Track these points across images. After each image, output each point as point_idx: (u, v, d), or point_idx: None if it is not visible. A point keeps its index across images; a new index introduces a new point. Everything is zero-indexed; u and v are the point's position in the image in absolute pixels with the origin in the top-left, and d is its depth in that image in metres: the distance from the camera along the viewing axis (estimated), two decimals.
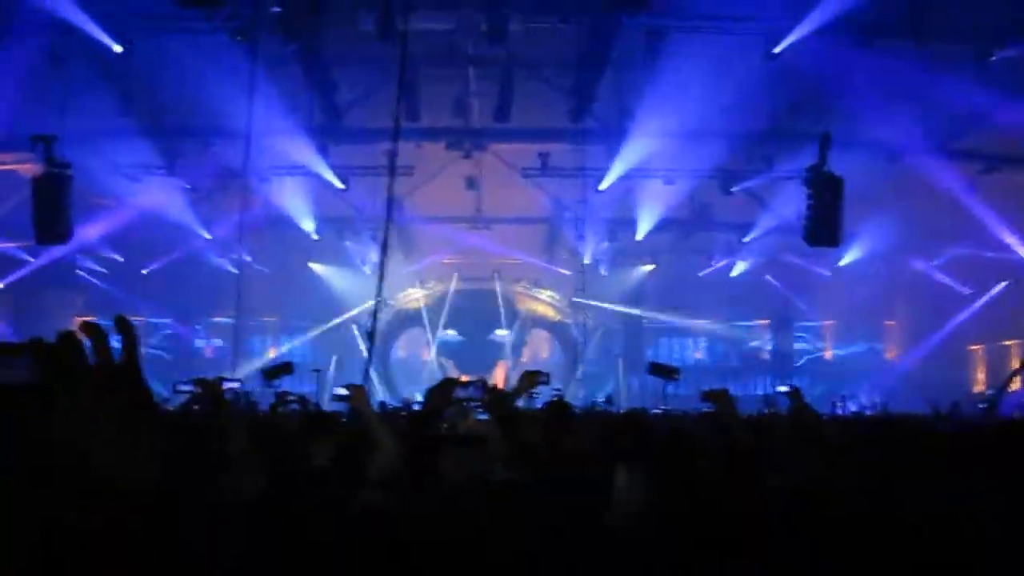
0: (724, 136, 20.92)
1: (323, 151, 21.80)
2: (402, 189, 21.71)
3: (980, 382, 29.57)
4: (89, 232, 23.32)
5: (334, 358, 29.72)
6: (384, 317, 28.24)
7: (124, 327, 1.35)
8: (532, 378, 5.45)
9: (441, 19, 18.70)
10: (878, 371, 31.97)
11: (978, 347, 29.91)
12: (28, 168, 19.38)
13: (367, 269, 28.80)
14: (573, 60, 19.27)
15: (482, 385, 4.15)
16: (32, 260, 26.40)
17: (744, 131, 20.79)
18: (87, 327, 1.31)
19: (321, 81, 19.51)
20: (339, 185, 23.16)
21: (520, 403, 5.86)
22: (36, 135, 17.53)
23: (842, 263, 27.18)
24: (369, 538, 2.66)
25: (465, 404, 4.42)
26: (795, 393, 6.40)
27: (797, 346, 32.73)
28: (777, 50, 17.44)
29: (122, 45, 17.64)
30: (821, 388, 30.13)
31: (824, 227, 18.14)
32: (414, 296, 31.59)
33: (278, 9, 16.48)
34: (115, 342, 1.35)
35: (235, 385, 14.89)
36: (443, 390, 3.72)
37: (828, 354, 34.47)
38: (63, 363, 1.28)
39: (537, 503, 3.07)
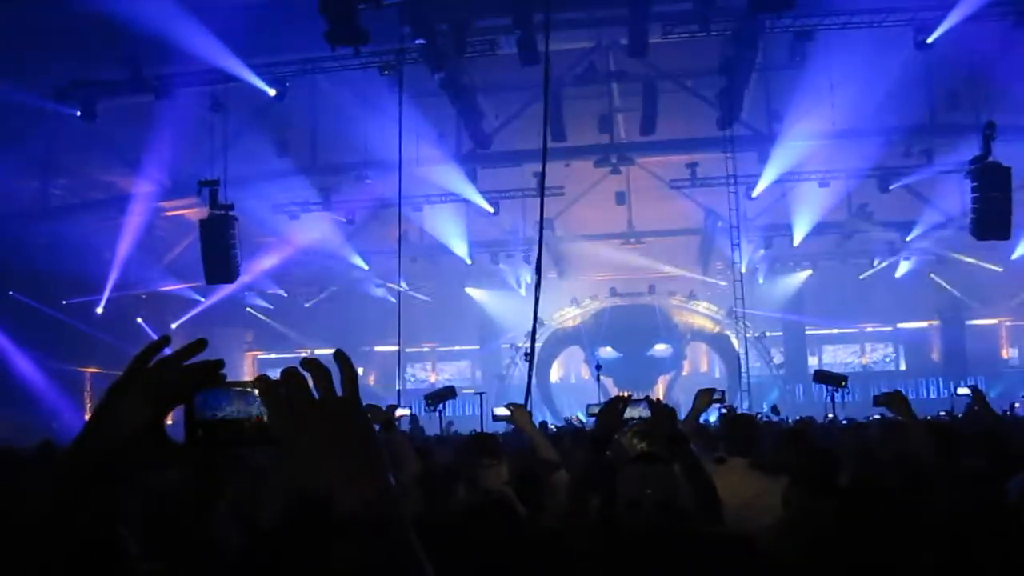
0: (879, 133, 20.29)
1: (472, 177, 22.10)
2: (552, 209, 21.81)
3: None
4: (254, 270, 24.23)
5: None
6: (541, 337, 28.38)
7: (344, 361, 1.38)
8: (707, 396, 5.38)
9: (581, 37, 18.82)
10: None
11: None
12: (195, 212, 20.31)
13: (522, 291, 29.03)
14: (717, 67, 19.02)
15: (648, 403, 4.09)
16: (202, 300, 27.58)
17: (900, 126, 20.11)
18: (309, 363, 1.35)
19: (467, 108, 19.80)
20: (489, 209, 23.44)
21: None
22: (201, 180, 18.33)
23: (1015, 256, 25.89)
24: (551, 562, 2.65)
25: (633, 423, 4.36)
26: (978, 395, 6.12)
27: (970, 345, 31.34)
28: (930, 40, 16.83)
29: (276, 88, 18.36)
30: (998, 389, 28.80)
31: (993, 220, 17.33)
32: (570, 315, 31.64)
33: (422, 41, 16.84)
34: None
35: (405, 413, 15.22)
36: (613, 410, 3.69)
37: (1005, 353, 32.91)
38: (289, 398, 1.33)
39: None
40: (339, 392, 1.35)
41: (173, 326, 28.94)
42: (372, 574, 1.27)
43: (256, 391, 1.36)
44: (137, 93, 18.38)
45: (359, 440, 1.32)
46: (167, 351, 1.42)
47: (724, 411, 12.28)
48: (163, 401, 1.38)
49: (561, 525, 3.47)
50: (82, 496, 1.35)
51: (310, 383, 1.34)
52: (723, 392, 6.23)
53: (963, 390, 7.25)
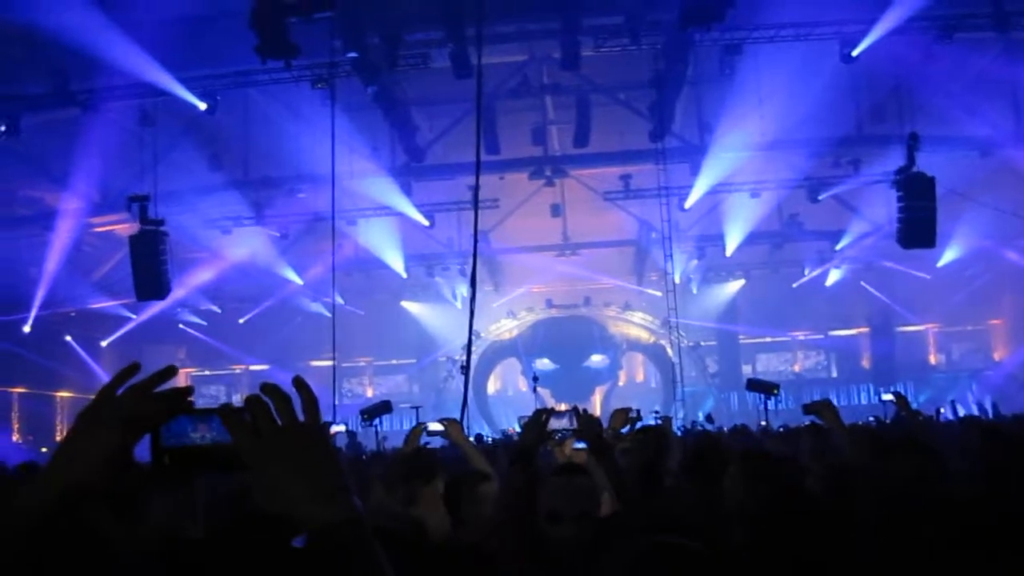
0: (808, 144, 20.66)
1: (407, 190, 22.06)
2: (487, 221, 21.88)
3: None
4: (186, 286, 23.92)
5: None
6: (477, 350, 28.38)
7: (303, 387, 1.40)
8: (623, 415, 5.43)
9: (514, 51, 18.91)
10: (987, 372, 31.06)
11: None
12: (125, 228, 20.00)
13: (458, 304, 29.01)
14: (648, 80, 19.22)
15: (574, 414, 4.12)
16: (134, 317, 27.17)
17: (828, 137, 20.47)
18: (269, 389, 1.37)
19: (400, 121, 19.78)
20: (424, 222, 23.42)
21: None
22: (131, 195, 18.08)
23: (941, 263, 26.45)
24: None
25: (560, 434, 4.39)
26: (901, 400, 6.25)
27: (899, 352, 31.93)
28: (855, 53, 17.16)
29: (207, 102, 18.17)
30: (927, 394, 29.38)
31: (918, 229, 17.70)
32: (506, 327, 31.69)
33: (354, 54, 16.79)
34: None
35: (340, 429, 15.09)
36: (537, 422, 3.71)
37: (932, 358, 33.60)
38: (253, 424, 1.34)
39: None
40: (301, 417, 1.37)
41: (103, 344, 28.50)
42: None
43: (221, 418, 1.36)
44: (63, 107, 18.03)
45: (324, 464, 1.33)
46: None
47: (660, 421, 12.40)
48: (133, 428, 1.39)
49: (480, 538, 3.47)
50: (53, 522, 1.35)
51: (272, 409, 1.35)
52: (639, 411, 6.31)
53: (888, 396, 7.38)
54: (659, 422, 10.32)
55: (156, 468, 1.39)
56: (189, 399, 1.41)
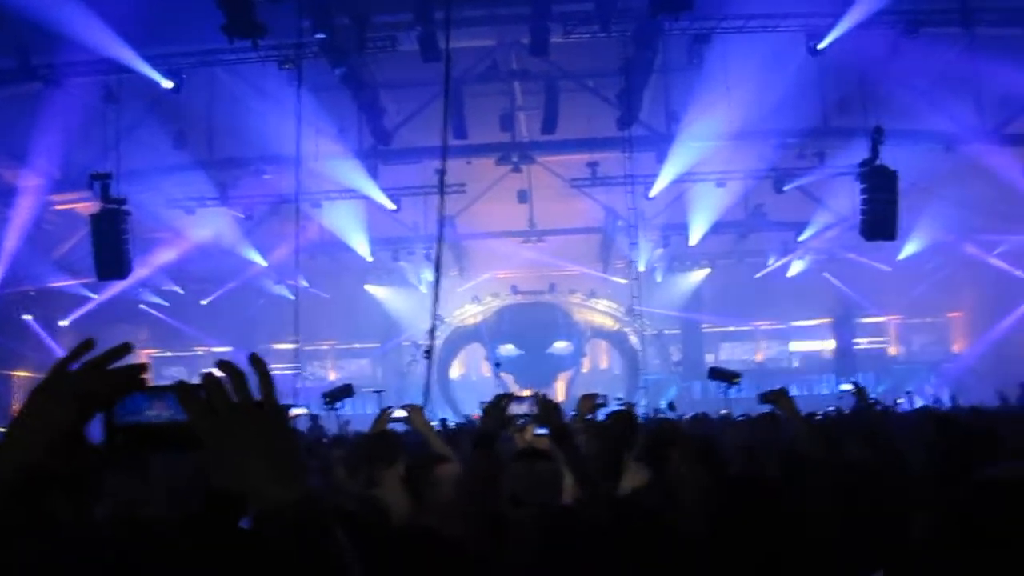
0: (774, 135, 20.78)
1: (373, 173, 21.96)
2: (454, 206, 21.83)
3: None
4: (149, 266, 23.69)
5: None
6: (441, 335, 28.34)
7: (259, 366, 1.39)
8: (589, 401, 5.45)
9: (483, 35, 18.86)
10: (945, 364, 31.46)
11: None
12: (86, 206, 19.75)
13: (423, 288, 28.95)
14: (617, 68, 19.25)
15: (535, 400, 4.12)
16: (94, 296, 26.87)
17: (794, 129, 20.61)
18: (226, 367, 1.36)
19: (368, 104, 19.68)
20: (391, 206, 23.32)
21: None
22: (92, 173, 17.86)
23: (901, 256, 26.72)
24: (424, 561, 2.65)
25: (521, 420, 4.39)
26: (860, 391, 6.32)
27: (859, 343, 32.25)
28: (822, 46, 17.28)
29: (172, 80, 17.99)
30: (886, 384, 29.71)
31: (880, 221, 17.86)
32: (471, 312, 31.68)
33: (322, 35, 16.68)
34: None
35: (301, 412, 15.04)
36: (497, 407, 3.70)
37: (892, 350, 33.97)
38: (208, 402, 1.33)
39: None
40: (256, 395, 1.36)
41: (63, 323, 28.18)
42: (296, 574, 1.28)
43: (176, 395, 1.35)
44: (24, 82, 17.78)
45: (279, 443, 1.33)
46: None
47: (623, 408, 12.43)
48: (87, 406, 1.37)
49: (441, 522, 3.47)
50: (5, 502, 1.34)
51: (228, 387, 1.34)
52: (605, 396, 6.34)
53: (846, 386, 7.47)
54: (621, 408, 10.36)
55: (109, 446, 1.37)
56: (144, 376, 1.39)
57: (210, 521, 2.44)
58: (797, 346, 34.38)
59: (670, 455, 4.16)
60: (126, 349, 1.41)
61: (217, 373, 1.35)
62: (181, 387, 1.34)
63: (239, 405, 1.33)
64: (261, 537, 1.30)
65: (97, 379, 1.38)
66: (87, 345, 1.43)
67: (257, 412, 1.34)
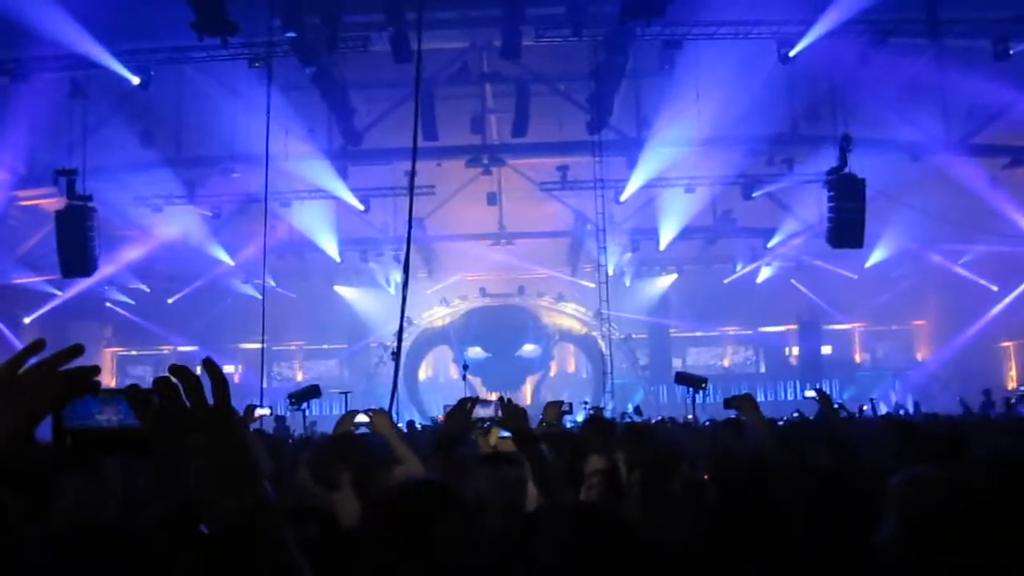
0: (743, 142, 20.89)
1: (343, 173, 21.90)
2: (423, 208, 21.78)
3: (1013, 379, 29.26)
4: (114, 263, 23.46)
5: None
6: (409, 337, 28.26)
7: (213, 370, 1.37)
8: (555, 409, 5.45)
9: (455, 37, 18.85)
10: (909, 371, 31.74)
11: (1009, 344, 29.62)
12: (51, 202, 19.55)
13: (391, 290, 28.86)
14: (588, 72, 19.30)
15: (500, 403, 4.11)
16: (59, 293, 26.60)
17: (763, 136, 20.72)
18: (178, 371, 1.33)
19: (338, 104, 19.62)
20: (359, 207, 23.27)
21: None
22: (58, 169, 17.68)
23: (868, 264, 26.95)
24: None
25: (485, 423, 4.38)
26: (823, 398, 6.36)
27: (825, 349, 32.47)
28: (792, 53, 17.39)
29: (140, 77, 17.83)
30: (851, 391, 29.92)
31: (847, 229, 18.00)
32: (439, 314, 31.61)
33: (293, 34, 16.60)
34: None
35: (265, 412, 14.93)
36: (461, 411, 3.69)
37: (857, 357, 34.23)
38: (161, 407, 1.31)
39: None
40: (210, 400, 1.34)
41: (26, 320, 27.84)
42: None
43: (127, 399, 1.33)
44: None
45: (232, 448, 1.31)
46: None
47: (592, 412, 12.47)
48: (35, 407, 1.34)
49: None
50: None
51: (181, 391, 1.32)
52: (571, 404, 6.35)
53: (810, 393, 7.51)
54: (591, 412, 10.38)
55: (57, 450, 1.35)
56: (95, 379, 1.37)
57: (168, 524, 2.42)
58: (763, 352, 34.55)
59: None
60: (77, 351, 1.38)
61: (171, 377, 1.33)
62: (133, 391, 1.32)
63: (192, 410, 1.31)
64: (217, 542, 1.28)
65: (47, 381, 1.35)
66: (37, 346, 1.40)
67: (210, 417, 1.32)
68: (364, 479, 4.14)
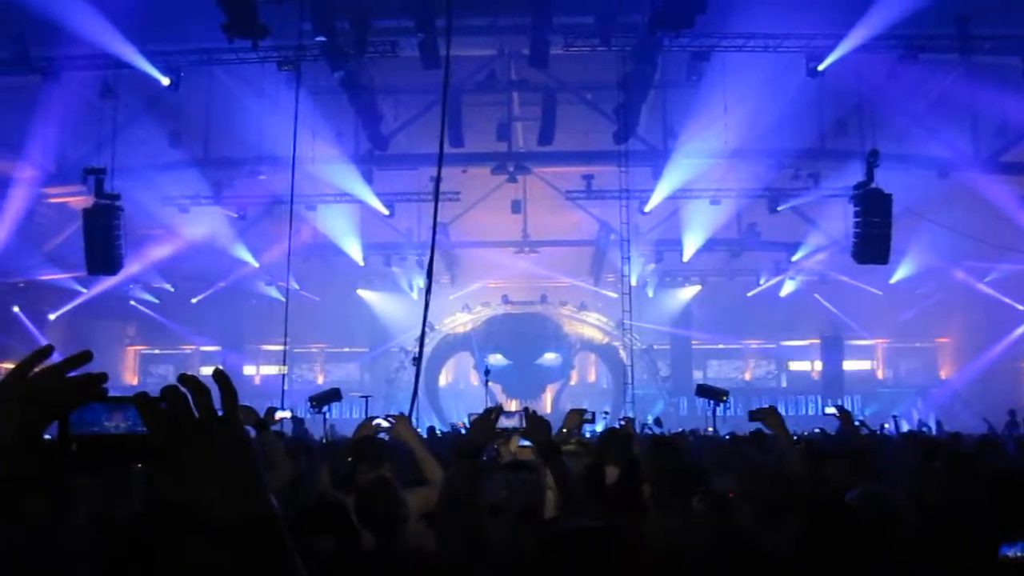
0: (770, 155, 20.83)
1: (368, 178, 21.97)
2: (448, 214, 21.85)
3: None
4: (139, 262, 23.61)
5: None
6: (431, 342, 28.29)
7: (223, 381, 1.37)
8: (577, 416, 5.45)
9: (483, 44, 18.88)
10: (932, 389, 31.48)
11: None
12: (79, 200, 19.71)
13: (414, 295, 28.93)
14: (616, 82, 19.29)
15: (524, 414, 4.12)
16: (84, 291, 26.79)
17: (790, 149, 20.64)
18: (188, 380, 1.33)
19: (366, 108, 19.67)
20: (384, 211, 23.34)
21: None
22: (87, 168, 17.83)
23: (893, 280, 26.78)
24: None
25: (507, 432, 4.39)
26: (844, 414, 6.32)
27: (848, 365, 32.28)
28: (821, 67, 17.33)
29: (170, 78, 17.97)
30: (873, 407, 29.73)
31: (873, 245, 17.90)
32: (461, 321, 31.61)
33: (323, 38, 16.68)
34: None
35: (286, 415, 14.99)
36: (486, 420, 3.70)
37: (880, 373, 34.01)
38: (169, 415, 1.31)
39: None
40: (219, 410, 1.34)
41: (52, 317, 28.08)
42: None
43: (136, 407, 1.33)
44: (21, 74, 17.73)
45: (239, 460, 1.31)
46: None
47: (622, 423, 12.41)
48: (42, 413, 1.35)
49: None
50: None
51: (190, 400, 1.32)
52: (593, 413, 6.34)
53: (830, 409, 7.46)
54: (621, 423, 10.34)
55: (62, 455, 1.35)
56: (102, 386, 1.37)
57: (182, 522, 2.43)
58: (786, 366, 34.38)
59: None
60: (86, 358, 1.39)
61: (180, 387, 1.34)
62: (141, 399, 1.32)
63: (200, 420, 1.31)
64: (221, 551, 1.28)
65: (53, 386, 1.36)
66: (45, 352, 1.41)
67: (218, 427, 1.32)
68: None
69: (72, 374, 1.37)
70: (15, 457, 1.33)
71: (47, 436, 1.37)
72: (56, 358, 1.39)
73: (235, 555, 1.27)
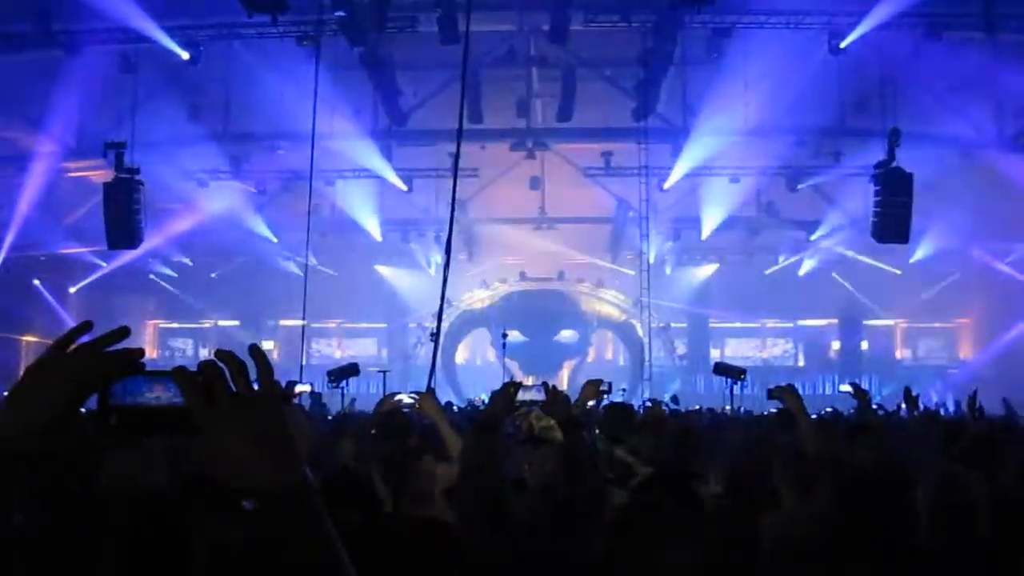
0: (790, 133, 20.70)
1: (387, 154, 21.97)
2: (466, 190, 21.81)
3: None
4: (159, 236, 23.70)
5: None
6: (448, 318, 28.33)
7: (259, 356, 1.39)
8: (594, 388, 5.45)
9: (503, 20, 18.79)
10: (951, 370, 31.35)
11: None
12: (99, 174, 19.78)
13: (432, 271, 28.94)
14: (635, 59, 19.20)
15: (544, 388, 4.14)
16: (104, 265, 26.93)
17: (810, 127, 20.53)
18: (225, 356, 1.35)
19: (385, 84, 19.65)
20: (403, 187, 23.35)
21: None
22: (107, 142, 17.89)
23: (913, 260, 26.63)
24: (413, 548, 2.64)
25: (528, 407, 4.41)
26: (860, 393, 6.31)
27: (866, 345, 32.18)
28: (843, 44, 17.20)
29: (190, 52, 17.97)
30: (891, 388, 29.64)
31: (893, 224, 17.82)
32: (478, 297, 31.65)
33: (342, 13, 16.64)
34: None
35: (305, 389, 15.08)
36: (505, 394, 3.71)
37: (899, 352, 33.89)
38: (207, 390, 1.32)
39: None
40: (256, 385, 1.36)
41: (72, 290, 28.29)
42: (289, 568, 1.29)
43: (174, 380, 1.35)
44: (43, 48, 17.78)
45: (276, 432, 1.33)
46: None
47: (648, 405, 12.40)
48: (81, 387, 1.37)
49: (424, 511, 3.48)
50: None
51: (227, 375, 1.34)
52: (610, 383, 6.33)
53: (845, 388, 7.43)
54: (648, 404, 10.34)
55: (102, 427, 1.37)
56: (140, 360, 1.39)
57: (211, 493, 2.45)
58: (803, 345, 34.28)
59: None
60: (124, 333, 1.41)
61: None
62: (180, 372, 1.34)
63: (237, 394, 1.33)
64: (259, 519, 1.30)
65: (92, 361, 1.38)
66: (85, 327, 1.43)
67: (256, 401, 1.33)
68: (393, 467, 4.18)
69: (109, 349, 1.40)
70: (57, 433, 1.35)
71: (84, 409, 1.40)
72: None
73: (272, 524, 1.29)
